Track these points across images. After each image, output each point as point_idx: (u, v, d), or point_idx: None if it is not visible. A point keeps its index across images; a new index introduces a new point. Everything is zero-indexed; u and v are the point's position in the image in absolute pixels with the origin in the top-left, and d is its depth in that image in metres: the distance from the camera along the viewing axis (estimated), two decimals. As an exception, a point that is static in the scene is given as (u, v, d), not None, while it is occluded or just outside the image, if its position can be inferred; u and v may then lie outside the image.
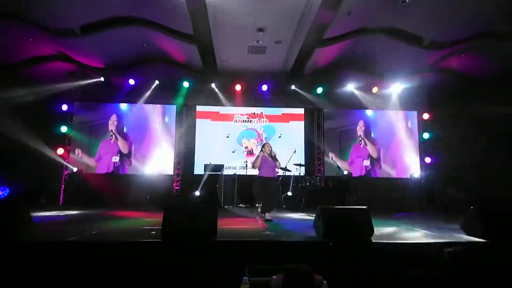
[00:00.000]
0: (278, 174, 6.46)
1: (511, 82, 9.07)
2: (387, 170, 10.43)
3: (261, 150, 6.25)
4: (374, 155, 10.55)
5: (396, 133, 10.66)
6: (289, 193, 8.86)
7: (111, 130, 10.10)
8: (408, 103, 10.53)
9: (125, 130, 10.20)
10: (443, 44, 7.97)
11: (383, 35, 7.75)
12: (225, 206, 8.98)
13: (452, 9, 6.56)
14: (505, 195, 8.33)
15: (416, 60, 8.75)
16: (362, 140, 10.63)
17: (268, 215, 6.11)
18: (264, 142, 6.37)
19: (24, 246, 3.74)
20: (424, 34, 7.74)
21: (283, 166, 7.70)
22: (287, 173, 8.89)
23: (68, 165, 9.57)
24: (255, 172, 9.83)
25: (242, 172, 9.70)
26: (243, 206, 9.21)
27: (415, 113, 10.70)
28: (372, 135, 10.70)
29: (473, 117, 9.68)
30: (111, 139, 10.05)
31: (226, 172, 9.63)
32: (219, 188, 8.95)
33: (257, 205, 8.42)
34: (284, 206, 8.52)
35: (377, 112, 10.71)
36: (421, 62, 8.89)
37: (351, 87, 10.21)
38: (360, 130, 10.70)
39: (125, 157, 9.97)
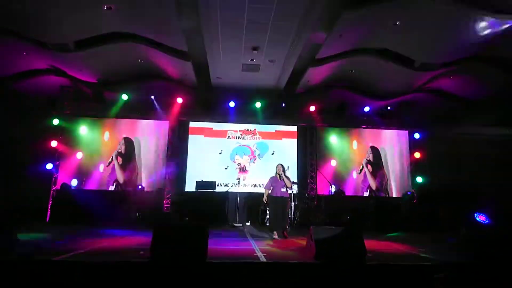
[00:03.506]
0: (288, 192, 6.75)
1: (499, 104, 9.29)
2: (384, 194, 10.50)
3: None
4: (373, 187, 10.51)
5: (389, 153, 10.77)
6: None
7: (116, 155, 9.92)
8: (399, 122, 10.70)
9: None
10: (433, 65, 8.17)
11: (374, 56, 7.93)
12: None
13: (441, 32, 6.75)
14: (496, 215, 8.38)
15: (407, 80, 8.94)
16: (364, 169, 10.56)
17: (276, 234, 6.47)
18: (278, 163, 6.88)
19: (8, 266, 3.61)
20: (415, 56, 7.92)
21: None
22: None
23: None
24: (247, 189, 9.94)
25: (235, 189, 9.64)
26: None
27: (406, 132, 10.86)
28: (379, 164, 10.66)
29: (464, 137, 9.86)
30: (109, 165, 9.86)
31: (218, 189, 9.59)
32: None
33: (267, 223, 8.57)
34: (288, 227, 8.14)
35: (368, 131, 10.83)
36: (411, 82, 9.09)
37: (343, 105, 10.33)
38: (366, 158, 10.65)
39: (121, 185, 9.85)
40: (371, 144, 10.78)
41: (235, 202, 9.38)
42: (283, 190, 6.56)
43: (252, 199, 9.82)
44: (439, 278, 1.98)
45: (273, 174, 6.76)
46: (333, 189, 9.92)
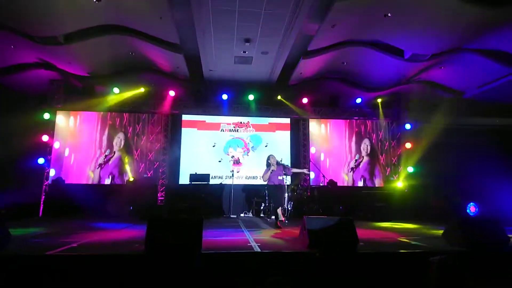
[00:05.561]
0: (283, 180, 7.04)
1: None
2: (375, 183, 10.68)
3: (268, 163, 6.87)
4: (367, 176, 10.70)
5: (378, 142, 10.87)
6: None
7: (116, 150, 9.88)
8: (391, 113, 10.78)
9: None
10: (424, 56, 8.21)
11: (366, 47, 7.94)
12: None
13: (431, 23, 6.78)
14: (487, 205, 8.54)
15: (398, 71, 9.00)
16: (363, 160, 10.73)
17: (275, 218, 6.83)
18: (270, 154, 6.98)
19: (0, 261, 3.59)
20: (406, 47, 7.96)
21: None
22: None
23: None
24: (242, 181, 9.97)
25: (229, 181, 9.66)
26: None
27: (397, 122, 10.93)
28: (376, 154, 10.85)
29: (455, 127, 9.97)
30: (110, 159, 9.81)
31: (212, 181, 9.60)
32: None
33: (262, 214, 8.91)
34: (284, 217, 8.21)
35: (360, 122, 10.90)
36: (403, 73, 9.15)
37: (336, 97, 10.37)
38: (364, 150, 10.80)
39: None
40: (368, 136, 10.90)
41: (230, 194, 9.41)
42: (280, 178, 6.79)
43: (247, 190, 9.88)
44: (434, 261, 2.00)
45: (267, 166, 6.88)
46: (325, 180, 9.99)
